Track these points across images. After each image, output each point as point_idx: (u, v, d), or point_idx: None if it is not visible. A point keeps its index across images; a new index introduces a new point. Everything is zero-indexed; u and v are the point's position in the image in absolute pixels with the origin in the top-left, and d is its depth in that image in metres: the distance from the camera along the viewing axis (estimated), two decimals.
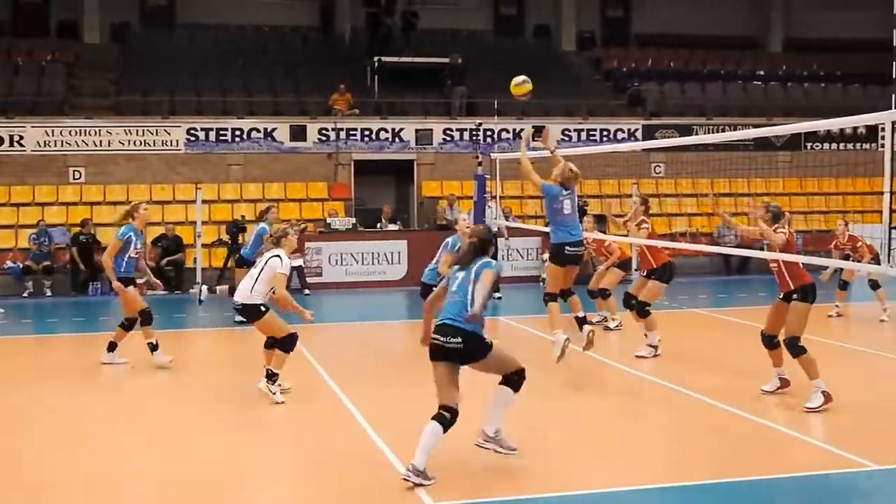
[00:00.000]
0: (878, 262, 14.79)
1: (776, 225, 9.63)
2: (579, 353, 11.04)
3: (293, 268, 19.36)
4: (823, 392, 9.06)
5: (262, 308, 9.82)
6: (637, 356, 11.96)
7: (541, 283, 21.02)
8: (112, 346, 12.02)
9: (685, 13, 31.69)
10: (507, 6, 31.94)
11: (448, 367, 7.15)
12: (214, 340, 15.18)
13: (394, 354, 13.44)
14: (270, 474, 7.45)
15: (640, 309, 12.25)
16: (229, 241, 20.48)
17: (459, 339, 7.06)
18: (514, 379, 7.38)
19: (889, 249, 8.32)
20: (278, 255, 9.82)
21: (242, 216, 21.07)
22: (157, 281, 13.41)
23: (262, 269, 9.87)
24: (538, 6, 31.66)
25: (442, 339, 7.11)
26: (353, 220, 21.99)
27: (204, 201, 21.07)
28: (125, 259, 11.71)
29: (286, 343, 9.84)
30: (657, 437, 8.56)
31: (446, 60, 25.75)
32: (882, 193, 8.76)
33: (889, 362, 12.15)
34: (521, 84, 12.30)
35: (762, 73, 30.54)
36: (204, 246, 20.53)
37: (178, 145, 23.17)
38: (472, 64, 26.31)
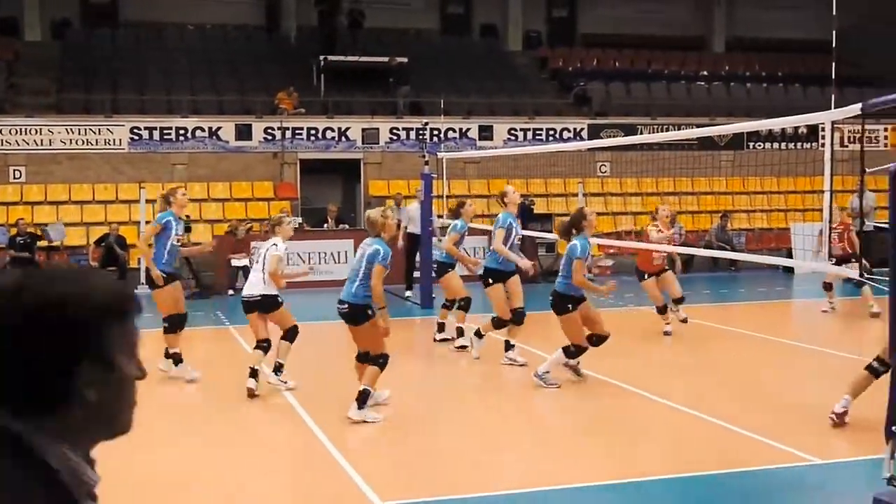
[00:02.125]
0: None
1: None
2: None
3: (238, 268, 19.28)
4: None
5: (280, 299, 10.25)
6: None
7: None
8: (173, 357, 10.90)
9: (630, 14, 31.94)
10: (453, 6, 31.97)
11: None
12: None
13: (340, 354, 13.38)
14: (218, 478, 7.41)
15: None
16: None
17: None
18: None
19: (829, 246, 8.43)
20: (275, 244, 10.25)
21: (188, 216, 20.79)
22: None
23: (264, 260, 10.21)
24: (485, 6, 31.74)
25: None
26: (300, 219, 21.86)
27: (148, 201, 20.77)
28: (167, 249, 10.72)
29: (292, 334, 10.30)
30: (597, 434, 8.61)
31: (388, 60, 25.68)
32: (822, 192, 8.90)
33: (834, 359, 12.34)
34: None
35: (706, 73, 30.89)
36: (148, 246, 20.27)
37: (121, 144, 22.89)
38: (419, 63, 26.32)
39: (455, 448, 8.03)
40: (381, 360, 8.74)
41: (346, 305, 8.83)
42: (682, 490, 7.03)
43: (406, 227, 18.37)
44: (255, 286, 10.25)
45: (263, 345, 10.18)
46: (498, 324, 11.74)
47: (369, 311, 8.75)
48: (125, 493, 6.99)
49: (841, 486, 7.06)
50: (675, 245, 13.56)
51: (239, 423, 9.22)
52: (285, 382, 10.22)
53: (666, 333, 13.39)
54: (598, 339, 10.31)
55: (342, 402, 9.65)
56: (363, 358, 8.94)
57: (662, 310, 13.59)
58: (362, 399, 8.68)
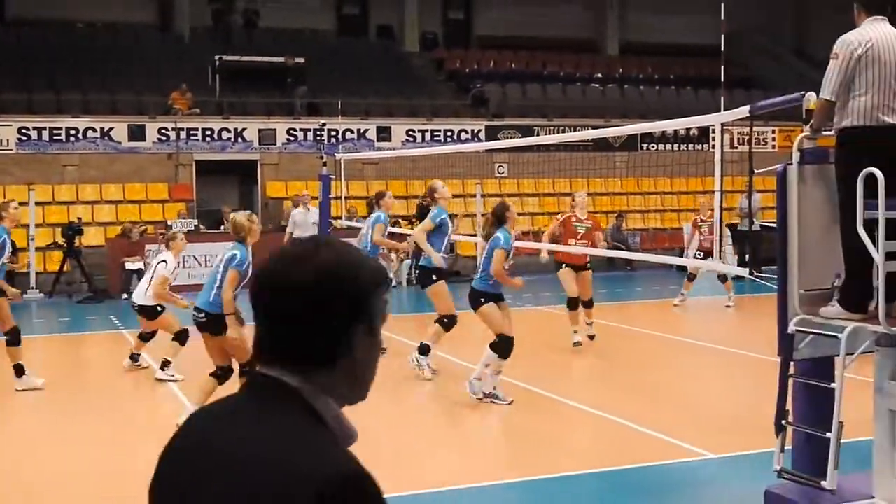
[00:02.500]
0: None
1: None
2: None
3: (132, 271, 18.91)
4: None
5: (159, 308, 11.05)
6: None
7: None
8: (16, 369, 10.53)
9: (524, 16, 32.19)
10: (349, 6, 31.84)
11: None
12: (47, 347, 14.64)
13: None
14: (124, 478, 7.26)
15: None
16: (65, 244, 19.77)
17: None
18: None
19: (721, 245, 8.64)
20: (165, 261, 10.94)
21: (79, 218, 20.40)
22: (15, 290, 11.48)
23: (153, 274, 11.01)
24: (381, 7, 31.67)
25: None
26: (196, 221, 21.52)
27: (37, 203, 20.32)
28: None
29: (182, 337, 10.94)
30: (503, 435, 8.68)
31: (284, 60, 25.46)
32: (714, 192, 9.11)
33: (727, 355, 12.64)
34: None
35: (600, 75, 31.36)
36: (38, 249, 19.82)
37: (8, 145, 22.22)
38: (315, 64, 26.14)
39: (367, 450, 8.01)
40: (248, 369, 7.93)
41: (203, 314, 8.42)
42: (581, 486, 7.12)
43: (292, 233, 18.12)
44: (138, 296, 11.20)
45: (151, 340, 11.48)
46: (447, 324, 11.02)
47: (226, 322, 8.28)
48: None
49: (734, 479, 7.24)
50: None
51: (139, 422, 9.05)
52: (172, 376, 10.96)
53: (576, 344, 12.65)
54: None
55: None
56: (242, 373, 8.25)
57: (573, 304, 12.74)
58: None
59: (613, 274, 22.73)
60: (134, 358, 11.68)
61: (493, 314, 9.51)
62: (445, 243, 11.28)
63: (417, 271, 11.25)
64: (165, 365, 11.06)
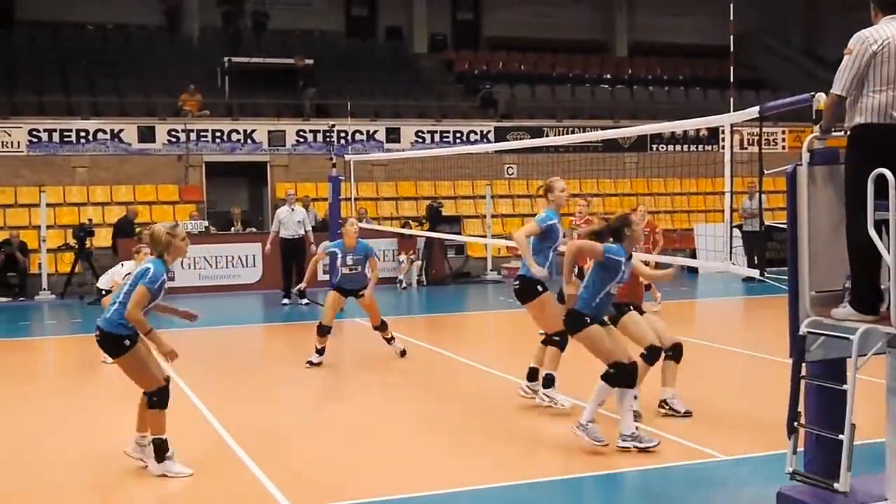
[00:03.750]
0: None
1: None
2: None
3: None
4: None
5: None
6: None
7: (397, 285, 21.08)
8: None
9: (533, 17, 32.23)
10: (358, 7, 31.86)
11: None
12: (58, 348, 14.69)
13: (251, 358, 13.27)
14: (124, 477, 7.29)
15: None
16: (76, 246, 19.83)
17: None
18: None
19: (731, 247, 8.63)
20: (122, 264, 11.92)
21: (90, 220, 20.47)
22: None
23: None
24: (390, 8, 31.69)
25: None
26: (206, 222, 21.57)
27: (48, 205, 20.39)
28: None
29: None
30: (504, 436, 8.67)
31: (293, 62, 25.49)
32: (723, 193, 9.09)
33: (741, 357, 12.62)
34: None
35: (609, 76, 31.33)
36: (49, 251, 19.89)
37: (19, 147, 22.30)
38: (325, 65, 26.18)
39: (368, 450, 8.01)
40: (154, 398, 7.29)
41: (99, 332, 7.40)
42: (592, 488, 7.12)
43: (278, 232, 18.17)
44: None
45: None
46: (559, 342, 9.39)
47: (126, 342, 7.24)
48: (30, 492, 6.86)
49: (746, 481, 7.23)
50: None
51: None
52: None
53: None
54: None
55: (249, 405, 9.58)
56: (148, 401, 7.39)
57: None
58: (160, 452, 7.33)
59: None
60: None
61: (601, 337, 7.94)
62: (551, 257, 9.21)
63: (516, 283, 9.22)
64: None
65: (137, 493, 7.19)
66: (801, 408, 5.90)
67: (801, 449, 5.94)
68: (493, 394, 10.39)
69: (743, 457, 7.68)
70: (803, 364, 5.87)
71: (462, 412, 9.48)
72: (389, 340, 12.21)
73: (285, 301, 18.10)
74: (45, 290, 19.58)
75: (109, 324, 7.30)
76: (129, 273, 11.17)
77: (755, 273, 8.05)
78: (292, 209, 18.35)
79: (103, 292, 12.12)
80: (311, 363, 11.70)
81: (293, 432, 8.74)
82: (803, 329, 5.81)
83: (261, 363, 13.01)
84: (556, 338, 9.07)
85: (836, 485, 5.52)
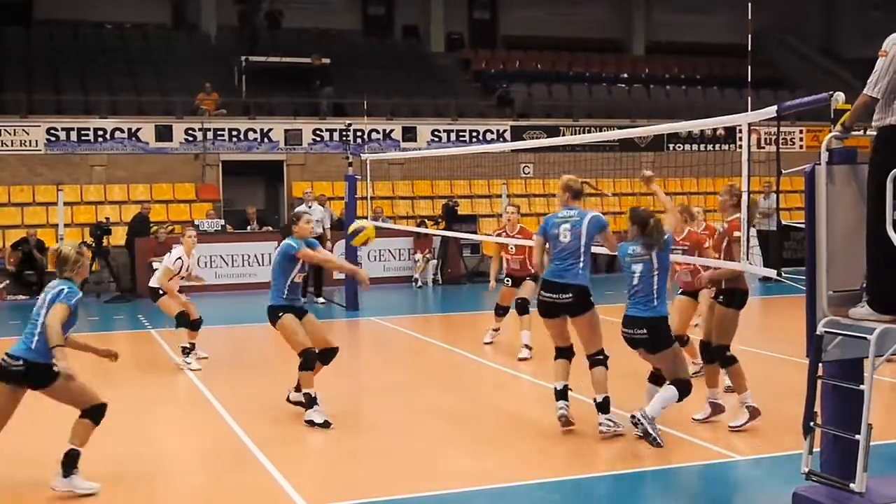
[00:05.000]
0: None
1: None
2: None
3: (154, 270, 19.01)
4: (749, 407, 8.34)
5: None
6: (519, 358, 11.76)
7: (413, 284, 21.11)
8: None
9: (550, 16, 32.21)
10: (374, 6, 31.89)
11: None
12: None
13: (267, 357, 13.30)
14: (140, 477, 7.31)
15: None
16: (93, 244, 19.91)
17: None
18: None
19: (748, 247, 8.59)
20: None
21: (107, 218, 20.54)
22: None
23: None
24: (406, 7, 31.73)
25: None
26: (222, 221, 21.63)
27: (66, 203, 20.49)
28: None
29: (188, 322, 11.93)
30: (529, 433, 8.66)
31: (310, 61, 25.53)
32: (740, 193, 9.04)
33: (746, 356, 12.57)
34: (358, 234, 10.18)
35: (626, 75, 31.27)
36: None
37: (37, 145, 22.42)
38: (341, 64, 26.21)
39: (384, 448, 8.02)
40: (93, 413, 6.99)
41: (22, 363, 6.79)
42: (609, 488, 7.11)
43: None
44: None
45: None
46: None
47: (55, 370, 6.72)
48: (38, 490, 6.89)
49: (762, 481, 7.21)
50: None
51: (159, 423, 9.11)
52: (188, 364, 11.71)
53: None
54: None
55: (266, 404, 9.59)
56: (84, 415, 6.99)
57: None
58: (70, 464, 6.88)
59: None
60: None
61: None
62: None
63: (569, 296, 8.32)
64: (186, 352, 11.83)
65: (160, 492, 7.21)
66: (817, 408, 5.88)
67: (817, 449, 5.92)
68: (510, 393, 10.40)
69: (759, 457, 7.66)
70: (820, 364, 5.85)
71: (482, 411, 9.48)
72: None
73: (303, 299, 18.12)
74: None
75: (38, 353, 6.76)
76: (180, 257, 11.83)
77: (772, 273, 8.00)
78: (310, 207, 18.37)
79: (161, 292, 11.98)
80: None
81: (312, 430, 8.74)
82: (820, 329, 5.78)
83: (278, 362, 13.01)
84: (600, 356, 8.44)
85: (852, 485, 5.51)
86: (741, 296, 8.39)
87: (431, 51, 30.90)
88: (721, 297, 8.43)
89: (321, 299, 17.74)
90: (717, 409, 8.65)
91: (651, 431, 7.53)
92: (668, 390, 7.76)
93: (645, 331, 7.75)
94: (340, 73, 25.99)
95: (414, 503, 6.67)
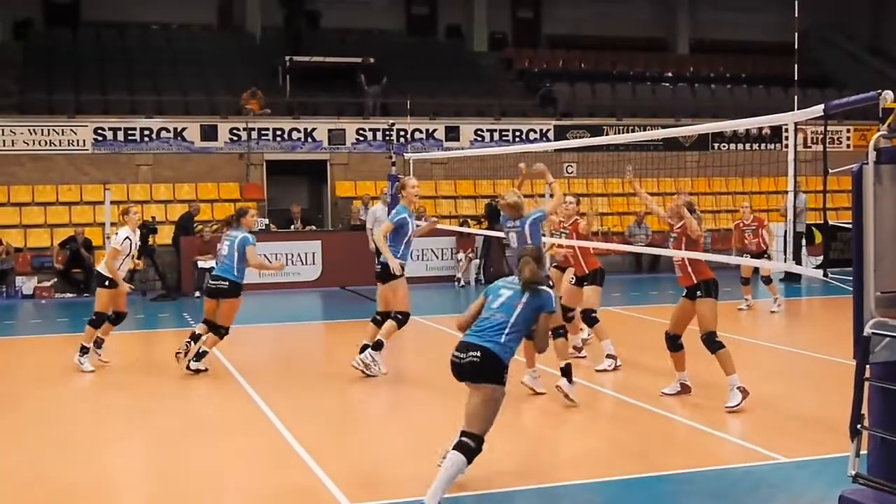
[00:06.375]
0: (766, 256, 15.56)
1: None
2: None
3: (205, 270, 19.16)
4: (739, 388, 9.05)
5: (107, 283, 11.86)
6: (597, 370, 11.28)
7: (455, 283, 21.15)
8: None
9: (594, 15, 32.10)
10: (418, 6, 31.97)
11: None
12: (120, 343, 14.91)
13: (311, 355, 13.37)
14: (182, 475, 7.37)
15: (588, 317, 11.38)
16: (140, 243, 20.09)
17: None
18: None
19: (794, 246, 8.51)
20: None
21: (153, 217, 20.75)
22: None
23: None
24: (450, 7, 31.76)
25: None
26: (266, 220, 21.78)
27: (112, 202, 20.68)
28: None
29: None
30: (565, 434, 8.64)
31: (359, 60, 25.68)
32: (786, 192, 8.97)
33: (790, 357, 12.46)
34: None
35: (670, 74, 31.09)
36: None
37: (84, 145, 22.71)
38: (385, 64, 26.29)
39: (428, 449, 8.03)
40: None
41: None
42: (651, 489, 7.07)
43: (372, 229, 18.26)
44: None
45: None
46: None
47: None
48: (94, 488, 6.97)
49: (808, 484, 7.14)
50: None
51: (202, 420, 9.18)
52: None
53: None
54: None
55: (310, 401, 9.64)
56: None
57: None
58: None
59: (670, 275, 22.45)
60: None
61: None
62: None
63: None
64: (84, 351, 11.77)
65: (195, 484, 7.27)
66: (864, 410, 5.81)
67: (864, 452, 5.85)
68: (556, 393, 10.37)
69: (804, 459, 7.58)
70: (867, 366, 5.78)
71: (528, 411, 9.47)
72: None
73: None
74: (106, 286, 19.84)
75: None
76: (128, 237, 11.92)
77: (818, 273, 7.93)
78: (384, 205, 18.31)
79: (106, 283, 11.93)
80: None
81: (357, 428, 8.77)
82: (868, 330, 5.71)
83: (323, 360, 13.09)
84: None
85: None
86: (715, 285, 9.31)
87: (475, 50, 30.91)
88: (698, 290, 9.27)
89: None
90: (685, 388, 9.74)
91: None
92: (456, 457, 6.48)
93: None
94: (384, 73, 26.07)
95: (457, 502, 6.67)
